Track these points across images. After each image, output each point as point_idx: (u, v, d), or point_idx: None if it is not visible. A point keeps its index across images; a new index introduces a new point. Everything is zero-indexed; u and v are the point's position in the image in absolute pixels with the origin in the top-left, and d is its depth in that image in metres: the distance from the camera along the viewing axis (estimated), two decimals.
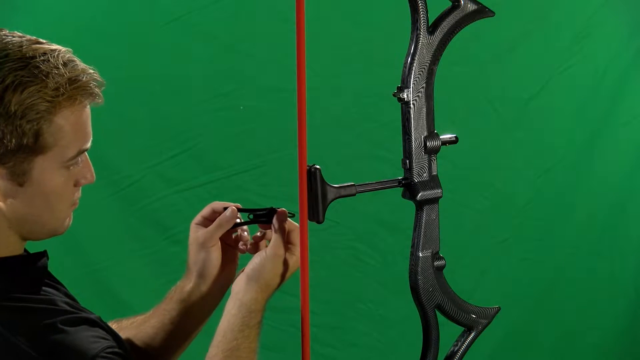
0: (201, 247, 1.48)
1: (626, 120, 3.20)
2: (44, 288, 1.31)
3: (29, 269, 1.32)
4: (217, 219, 1.47)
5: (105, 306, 2.69)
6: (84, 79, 1.26)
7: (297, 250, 1.43)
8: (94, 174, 1.34)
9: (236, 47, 2.85)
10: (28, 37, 1.27)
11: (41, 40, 1.28)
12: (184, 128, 2.87)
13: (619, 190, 3.25)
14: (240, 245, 1.51)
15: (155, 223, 2.87)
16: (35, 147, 1.23)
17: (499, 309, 1.47)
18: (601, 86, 3.16)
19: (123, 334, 1.54)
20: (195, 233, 1.49)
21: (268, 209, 1.46)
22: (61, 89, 1.23)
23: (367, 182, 1.38)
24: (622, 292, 3.33)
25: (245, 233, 1.51)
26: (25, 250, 1.36)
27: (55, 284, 1.38)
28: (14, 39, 1.25)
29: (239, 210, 1.48)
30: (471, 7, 1.38)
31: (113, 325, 1.56)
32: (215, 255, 1.49)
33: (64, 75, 1.24)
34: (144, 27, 2.77)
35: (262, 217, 1.47)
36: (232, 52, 2.85)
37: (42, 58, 1.23)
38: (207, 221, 1.50)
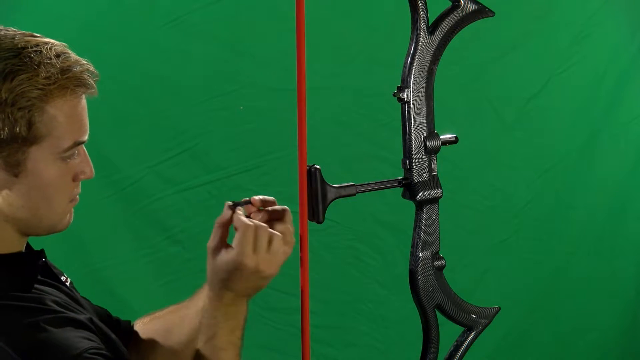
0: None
1: (626, 120, 3.20)
2: (37, 286, 1.30)
3: (23, 267, 1.31)
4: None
5: (105, 306, 2.68)
6: (77, 69, 1.26)
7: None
8: (93, 170, 1.33)
9: (236, 47, 2.85)
10: (22, 31, 1.28)
11: (35, 34, 1.28)
12: (184, 128, 2.86)
13: (619, 190, 3.25)
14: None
15: (155, 223, 2.87)
16: (28, 136, 1.23)
17: (499, 309, 1.47)
18: (601, 86, 3.15)
19: (159, 322, 1.55)
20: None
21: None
22: (52, 78, 1.23)
23: (367, 182, 1.38)
24: (622, 292, 3.32)
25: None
26: (27, 247, 1.36)
27: (57, 282, 1.37)
28: (7, 32, 1.26)
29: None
30: (471, 7, 1.39)
31: (145, 319, 1.57)
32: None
33: (55, 66, 1.24)
34: (144, 27, 2.77)
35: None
36: (232, 52, 2.85)
37: (34, 49, 1.24)
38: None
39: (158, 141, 2.85)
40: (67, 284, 1.43)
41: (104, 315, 1.52)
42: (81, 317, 1.30)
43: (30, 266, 1.33)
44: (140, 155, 2.82)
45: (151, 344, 1.56)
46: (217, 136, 2.88)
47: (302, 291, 1.31)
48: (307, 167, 1.30)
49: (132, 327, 1.59)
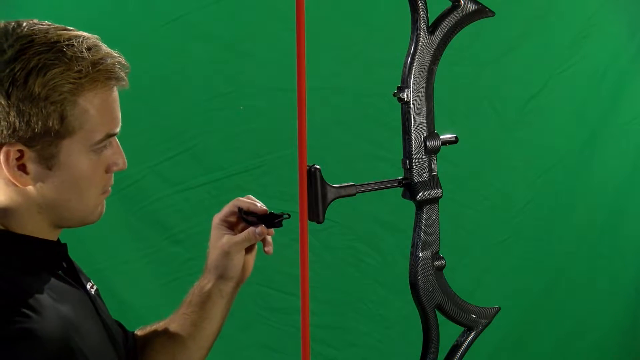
0: (226, 254, 1.50)
1: (626, 120, 3.20)
2: (55, 281, 1.30)
3: (42, 253, 1.31)
4: (247, 233, 1.49)
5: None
6: (108, 62, 1.28)
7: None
8: (126, 161, 1.34)
9: (236, 47, 2.85)
10: (56, 25, 1.29)
11: (69, 27, 1.30)
12: (184, 128, 2.86)
13: (619, 190, 3.25)
14: (265, 247, 1.53)
15: (155, 223, 2.87)
16: (61, 129, 1.24)
17: (499, 309, 1.47)
18: (601, 86, 3.16)
19: (147, 341, 1.57)
20: (220, 237, 1.50)
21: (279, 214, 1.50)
22: (84, 71, 1.24)
23: (367, 182, 1.38)
24: (622, 292, 3.33)
25: (269, 237, 1.53)
26: (58, 240, 1.36)
27: (77, 285, 1.37)
28: (42, 26, 1.28)
29: (263, 217, 1.50)
30: (471, 7, 1.39)
31: (138, 332, 1.60)
32: (239, 260, 1.51)
33: (87, 59, 1.25)
34: (144, 27, 2.76)
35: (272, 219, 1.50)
36: (232, 52, 2.85)
37: (66, 43, 1.25)
38: (231, 221, 1.51)
39: (158, 141, 2.85)
40: (92, 290, 1.43)
41: (117, 329, 1.52)
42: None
43: (48, 253, 1.33)
44: (140, 155, 2.82)
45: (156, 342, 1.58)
46: (217, 136, 2.88)
47: (302, 291, 1.31)
48: (307, 167, 1.29)
49: (135, 336, 1.61)
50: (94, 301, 1.41)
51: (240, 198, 1.53)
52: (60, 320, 1.26)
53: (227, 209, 1.52)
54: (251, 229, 1.49)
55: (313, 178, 1.32)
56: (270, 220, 1.49)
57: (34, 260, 1.30)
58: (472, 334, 1.46)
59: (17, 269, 1.26)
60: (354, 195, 1.36)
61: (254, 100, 2.88)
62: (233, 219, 1.52)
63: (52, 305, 1.26)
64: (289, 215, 1.48)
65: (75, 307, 1.33)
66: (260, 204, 1.51)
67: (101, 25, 2.69)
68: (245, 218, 1.50)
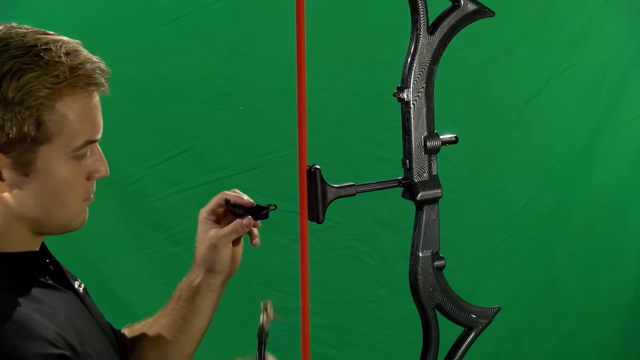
0: (214, 247, 1.49)
1: (626, 120, 3.20)
2: (21, 293, 1.26)
3: (24, 266, 1.29)
4: (234, 225, 1.48)
5: (105, 306, 2.68)
6: (87, 67, 1.25)
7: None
8: (108, 168, 1.33)
9: (236, 47, 2.85)
10: (35, 29, 1.27)
11: (48, 32, 1.27)
12: (184, 128, 2.86)
13: (619, 190, 3.25)
14: (252, 240, 1.52)
15: (155, 223, 2.87)
16: (38, 135, 1.22)
17: (499, 309, 1.47)
18: (601, 86, 3.16)
19: (136, 339, 1.56)
20: (207, 231, 1.50)
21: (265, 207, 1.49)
22: (61, 76, 1.22)
23: (367, 182, 1.38)
24: (622, 292, 3.33)
25: (255, 230, 1.52)
26: (42, 247, 1.34)
27: (67, 289, 1.36)
28: (20, 30, 1.25)
29: (250, 210, 1.49)
30: (471, 7, 1.39)
31: (125, 331, 1.58)
32: (227, 253, 1.50)
33: (65, 64, 1.22)
34: (144, 28, 2.76)
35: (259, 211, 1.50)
36: (232, 52, 2.85)
37: (44, 47, 1.22)
38: (217, 214, 1.51)
39: (158, 141, 2.85)
40: (81, 289, 1.42)
41: (108, 329, 1.51)
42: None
43: (32, 265, 1.31)
44: (140, 155, 2.82)
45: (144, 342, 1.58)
46: (217, 136, 2.88)
47: (302, 291, 1.31)
48: (307, 167, 1.30)
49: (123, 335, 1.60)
50: (83, 300, 1.40)
51: (227, 192, 1.52)
52: (54, 338, 1.23)
53: (213, 202, 1.51)
54: (238, 220, 1.48)
55: (313, 178, 1.32)
56: (257, 212, 1.49)
57: (19, 277, 1.27)
58: (472, 334, 1.46)
59: (3, 288, 1.24)
60: (354, 195, 1.36)
61: (254, 100, 2.87)
62: (220, 211, 1.51)
63: (44, 323, 1.23)
64: (275, 207, 1.48)
65: (70, 313, 1.31)
66: (246, 197, 1.50)
67: (100, 26, 2.72)
68: (232, 210, 1.50)
